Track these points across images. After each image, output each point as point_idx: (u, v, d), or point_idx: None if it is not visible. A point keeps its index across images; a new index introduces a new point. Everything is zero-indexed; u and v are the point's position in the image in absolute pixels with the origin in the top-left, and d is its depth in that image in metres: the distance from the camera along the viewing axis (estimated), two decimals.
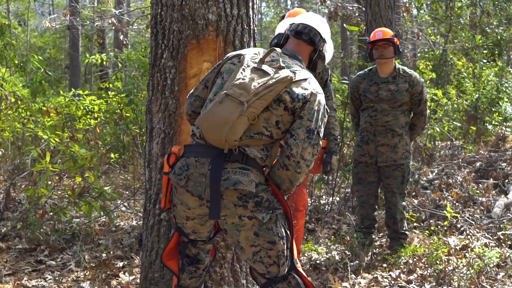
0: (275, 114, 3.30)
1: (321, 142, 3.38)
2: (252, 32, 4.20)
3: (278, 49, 3.47)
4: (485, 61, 14.18)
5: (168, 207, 3.62)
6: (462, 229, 6.81)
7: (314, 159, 3.36)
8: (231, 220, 3.32)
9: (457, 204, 7.91)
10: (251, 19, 4.19)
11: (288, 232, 3.42)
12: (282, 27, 3.89)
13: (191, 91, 3.72)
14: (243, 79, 3.31)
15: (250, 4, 4.16)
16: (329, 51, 3.82)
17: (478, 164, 10.27)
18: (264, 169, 3.42)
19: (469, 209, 7.79)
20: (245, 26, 4.13)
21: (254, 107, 3.23)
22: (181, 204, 3.44)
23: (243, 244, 3.36)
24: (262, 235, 3.31)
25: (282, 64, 3.37)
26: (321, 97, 3.40)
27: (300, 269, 3.47)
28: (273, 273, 3.39)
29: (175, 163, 3.49)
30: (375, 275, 5.39)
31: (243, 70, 3.37)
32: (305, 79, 3.38)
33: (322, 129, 3.40)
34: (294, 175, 3.32)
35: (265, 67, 3.36)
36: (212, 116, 3.29)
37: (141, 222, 6.32)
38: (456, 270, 5.24)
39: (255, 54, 3.50)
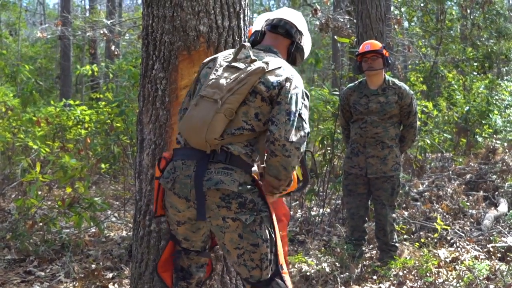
0: (253, 106, 3.28)
1: (306, 125, 3.30)
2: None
3: (248, 44, 3.47)
4: (475, 73, 14.26)
5: (160, 214, 3.60)
6: (452, 241, 6.82)
7: (303, 143, 3.27)
8: (216, 222, 3.30)
9: (447, 216, 7.92)
10: (242, 30, 4.19)
11: (273, 236, 3.37)
12: (258, 24, 3.89)
13: (180, 107, 3.73)
14: (215, 78, 3.33)
15: (242, 16, 4.17)
16: (306, 43, 3.82)
17: (468, 176, 10.30)
18: (257, 165, 3.42)
19: (459, 221, 7.80)
20: (236, 38, 4.13)
21: (229, 103, 3.23)
22: (171, 207, 3.44)
23: (228, 247, 3.34)
24: (246, 237, 3.29)
25: (253, 57, 3.37)
26: (297, 81, 3.37)
27: (286, 276, 3.41)
28: (256, 277, 3.35)
29: (165, 168, 3.49)
30: (365, 287, 5.38)
31: (216, 70, 3.39)
32: (279, 67, 3.36)
33: (305, 113, 3.35)
34: (285, 160, 3.23)
35: (237, 63, 3.37)
36: (190, 120, 3.31)
37: (131, 233, 6.32)
38: (446, 282, 5.24)
39: (229, 54, 3.52)
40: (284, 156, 3.21)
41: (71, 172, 6.62)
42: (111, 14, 18.47)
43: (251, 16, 30.43)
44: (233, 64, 3.39)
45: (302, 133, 3.27)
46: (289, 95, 3.28)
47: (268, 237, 3.34)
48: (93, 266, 5.75)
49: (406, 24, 16.66)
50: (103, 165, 9.66)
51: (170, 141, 4.03)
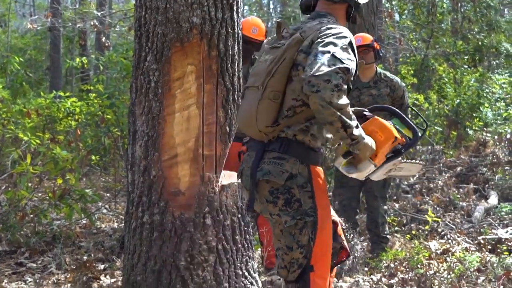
0: (298, 80, 3.09)
1: (344, 63, 2.93)
2: (236, 35, 4.20)
3: (282, 20, 3.37)
4: (466, 66, 14.28)
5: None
6: (443, 233, 6.84)
7: (336, 75, 2.88)
8: (266, 215, 3.27)
9: (438, 208, 7.94)
10: (236, 22, 4.19)
11: (312, 243, 3.17)
12: None
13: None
14: (257, 65, 3.27)
15: (235, 8, 4.17)
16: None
17: (458, 169, 10.31)
18: (313, 142, 3.20)
19: (450, 213, 7.83)
20: (230, 30, 4.13)
21: (271, 86, 3.10)
22: (244, 200, 3.47)
23: (275, 236, 3.27)
24: (284, 236, 3.19)
25: (290, 31, 3.22)
26: (331, 29, 3.10)
27: (315, 279, 3.21)
28: (281, 276, 3.28)
29: None
30: (356, 279, 5.40)
31: (261, 56, 3.30)
32: (317, 28, 3.14)
33: (345, 55, 2.98)
34: (316, 96, 2.87)
35: (279, 42, 3.23)
36: (240, 113, 3.30)
37: (123, 224, 6.30)
38: (437, 274, 5.25)
39: (273, 36, 3.39)
40: (313, 92, 2.88)
41: (61, 163, 6.59)
42: (101, 6, 18.38)
43: (244, 8, 30.39)
44: (274, 44, 3.26)
45: (332, 67, 2.91)
46: (321, 41, 3.03)
47: (305, 243, 3.17)
48: (85, 257, 5.74)
49: (397, 17, 16.68)
50: (93, 157, 9.63)
51: (163, 133, 4.03)
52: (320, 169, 3.26)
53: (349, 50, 3.05)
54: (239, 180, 3.38)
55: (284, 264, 3.23)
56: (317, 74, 2.87)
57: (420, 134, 3.56)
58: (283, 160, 3.12)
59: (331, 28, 3.12)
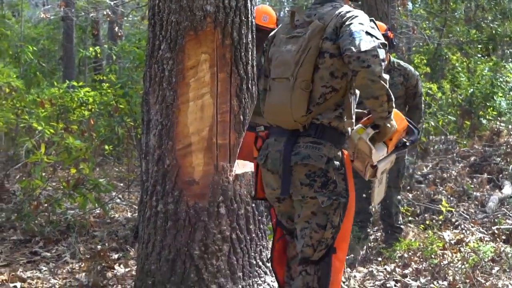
0: (325, 68, 3.18)
1: (379, 38, 3.07)
2: (250, 23, 4.19)
3: (296, 8, 3.39)
4: (479, 55, 14.18)
5: (260, 196, 3.59)
6: (457, 223, 6.82)
7: (380, 50, 3.01)
8: (296, 198, 3.30)
9: (451, 198, 7.92)
10: (249, 10, 4.17)
11: (341, 224, 3.30)
12: None
13: (259, 89, 3.73)
14: (280, 55, 3.28)
15: None
16: None
17: (472, 158, 10.28)
18: (345, 121, 3.29)
19: (464, 203, 7.80)
20: (243, 18, 4.11)
21: (301, 76, 3.16)
22: (267, 186, 3.44)
23: (300, 219, 3.32)
24: (318, 216, 3.26)
25: (308, 19, 3.25)
26: (352, 12, 3.19)
27: (335, 262, 3.32)
28: (306, 254, 3.30)
29: (261, 147, 3.49)
30: (370, 269, 5.39)
31: (278, 46, 3.33)
32: (336, 14, 3.22)
33: (376, 33, 3.10)
34: (367, 71, 2.97)
35: (296, 31, 3.28)
36: (271, 106, 3.31)
37: (136, 214, 6.32)
38: (451, 264, 5.25)
39: (286, 24, 3.41)
40: (364, 67, 2.97)
41: (75, 153, 6.62)
42: None
43: None
44: (292, 34, 3.30)
45: (374, 43, 3.03)
46: (348, 23, 3.11)
47: (337, 224, 3.28)
48: (99, 247, 5.76)
49: (410, 5, 16.58)
50: (107, 147, 9.65)
51: (177, 122, 4.02)
52: (347, 153, 3.38)
53: (376, 28, 3.17)
54: (264, 164, 3.39)
55: (312, 242, 3.29)
56: (364, 49, 2.98)
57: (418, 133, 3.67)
58: (320, 144, 3.21)
59: (350, 11, 3.22)
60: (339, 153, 3.29)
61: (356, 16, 3.17)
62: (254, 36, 4.28)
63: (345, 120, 3.30)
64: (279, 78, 3.25)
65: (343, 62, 3.11)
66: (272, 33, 3.59)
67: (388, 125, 3.30)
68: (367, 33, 3.06)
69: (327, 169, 3.21)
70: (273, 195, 3.45)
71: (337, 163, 3.25)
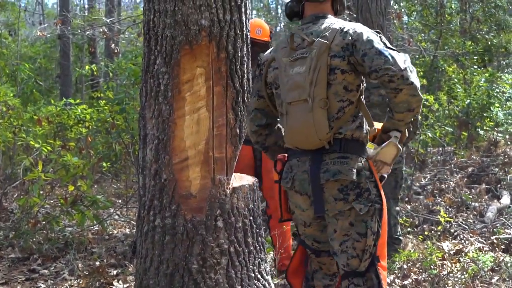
0: (337, 83, 3.24)
1: (399, 52, 3.21)
2: (245, 37, 4.20)
3: (295, 30, 3.41)
4: (475, 67, 14.22)
5: (286, 217, 3.61)
6: (455, 234, 6.82)
7: (410, 63, 3.17)
8: (332, 214, 3.29)
9: (450, 209, 7.92)
10: (244, 24, 4.18)
11: (380, 230, 3.33)
12: None
13: (248, 109, 3.71)
14: (290, 79, 3.28)
15: (243, 9, 4.16)
16: None
17: (470, 169, 10.29)
18: (368, 130, 3.37)
19: (462, 214, 7.80)
20: (238, 32, 4.12)
21: (317, 95, 3.20)
22: (296, 207, 3.45)
23: (337, 234, 3.31)
24: (355, 225, 3.27)
25: (309, 39, 3.28)
26: (359, 27, 3.29)
27: (381, 269, 3.35)
28: (352, 266, 3.30)
29: (282, 170, 3.49)
30: None
31: (285, 70, 3.34)
32: (338, 30, 3.29)
33: (389, 44, 3.23)
34: (411, 88, 3.11)
35: (299, 52, 3.31)
36: (293, 130, 3.31)
37: (134, 230, 6.30)
38: (451, 274, 5.24)
39: (284, 47, 3.43)
40: (408, 85, 3.11)
41: (73, 170, 6.62)
42: (110, 13, 18.44)
43: (252, 12, 30.42)
44: (296, 56, 3.32)
45: (402, 56, 3.18)
46: (366, 41, 3.20)
47: (376, 230, 3.31)
48: (97, 263, 5.74)
49: (406, 18, 16.64)
50: (104, 164, 9.65)
51: (173, 136, 4.02)
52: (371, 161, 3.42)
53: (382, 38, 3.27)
54: (291, 186, 3.40)
55: (356, 252, 3.30)
56: (404, 67, 3.09)
57: None
58: (347, 158, 3.25)
59: (352, 26, 3.31)
60: (366, 162, 3.33)
61: (364, 31, 3.26)
62: (249, 50, 4.28)
63: (368, 128, 3.38)
64: (296, 101, 3.26)
65: (370, 79, 3.21)
66: (267, 56, 3.60)
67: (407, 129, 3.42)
68: (390, 48, 3.18)
69: (359, 180, 3.24)
70: (303, 216, 3.46)
71: (367, 172, 3.29)
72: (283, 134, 3.46)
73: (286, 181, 3.41)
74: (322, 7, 3.51)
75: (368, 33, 3.25)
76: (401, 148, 3.45)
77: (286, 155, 3.54)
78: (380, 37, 3.27)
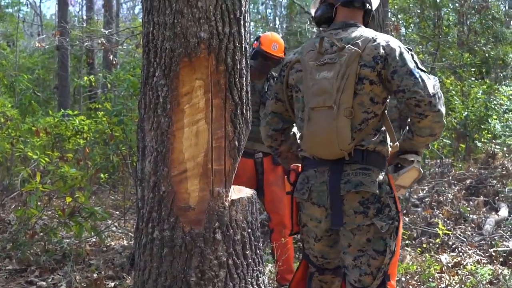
0: (364, 93, 3.17)
1: (430, 75, 3.17)
2: (244, 49, 4.20)
3: (325, 33, 3.34)
4: (473, 79, 14.25)
5: (296, 230, 3.53)
6: (454, 246, 6.81)
7: (439, 88, 3.14)
8: (350, 227, 3.21)
9: (448, 221, 7.91)
10: (243, 37, 4.19)
11: (395, 247, 3.28)
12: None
13: (264, 111, 3.66)
14: (316, 83, 3.20)
15: (242, 22, 4.17)
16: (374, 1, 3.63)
17: (468, 181, 10.29)
18: (390, 146, 3.31)
19: (460, 226, 7.80)
20: (237, 44, 4.13)
21: (343, 103, 3.12)
22: (311, 220, 3.37)
23: (351, 248, 3.24)
24: (373, 242, 3.20)
25: (339, 45, 3.21)
26: (392, 41, 3.24)
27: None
28: (364, 283, 3.23)
29: (296, 181, 3.43)
30: None
31: (311, 74, 3.26)
32: (370, 40, 3.23)
33: (421, 64, 3.20)
34: (436, 115, 3.09)
35: (327, 57, 3.24)
36: (313, 137, 3.21)
37: (132, 242, 6.29)
38: (449, 287, 5.23)
39: (311, 50, 3.37)
40: (434, 112, 3.07)
41: (70, 181, 6.61)
42: (109, 24, 18.48)
43: (250, 24, 30.46)
44: (324, 60, 3.25)
45: (432, 81, 3.13)
46: (398, 58, 3.15)
47: (393, 249, 3.25)
48: (95, 275, 5.73)
49: (403, 30, 16.69)
50: (102, 175, 9.64)
51: (172, 148, 4.02)
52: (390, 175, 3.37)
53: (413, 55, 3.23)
54: (308, 197, 3.35)
55: (371, 270, 3.22)
56: (433, 93, 3.05)
57: None
58: (369, 170, 3.17)
59: (385, 38, 3.26)
60: (386, 177, 3.27)
61: (398, 46, 3.21)
62: (248, 62, 4.29)
63: (391, 144, 3.32)
64: (320, 107, 3.17)
65: (395, 96, 3.18)
66: (291, 57, 3.54)
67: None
68: (421, 69, 3.13)
69: (380, 194, 3.18)
70: (316, 229, 3.38)
71: (387, 187, 3.23)
72: (302, 140, 3.36)
73: (302, 192, 3.34)
74: (355, 14, 3.47)
75: (401, 49, 3.20)
76: (422, 171, 3.42)
77: (300, 165, 3.49)
78: (412, 55, 3.22)
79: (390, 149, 3.33)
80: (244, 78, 4.20)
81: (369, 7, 3.53)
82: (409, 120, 3.26)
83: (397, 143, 3.32)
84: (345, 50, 3.18)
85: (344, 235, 3.28)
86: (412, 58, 3.20)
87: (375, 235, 3.20)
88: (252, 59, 5.55)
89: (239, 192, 4.28)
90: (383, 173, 3.25)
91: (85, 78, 11.25)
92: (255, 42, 5.68)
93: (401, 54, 3.17)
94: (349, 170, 3.19)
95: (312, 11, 3.78)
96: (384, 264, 3.23)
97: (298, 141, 3.52)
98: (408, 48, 3.27)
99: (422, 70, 3.14)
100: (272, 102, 3.61)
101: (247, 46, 4.26)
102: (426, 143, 3.29)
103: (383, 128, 3.29)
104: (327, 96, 3.15)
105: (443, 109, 3.12)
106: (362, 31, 3.33)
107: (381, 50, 3.18)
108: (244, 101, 4.19)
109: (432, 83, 3.11)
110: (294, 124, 3.66)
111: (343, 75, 3.13)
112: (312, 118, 3.22)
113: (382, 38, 3.25)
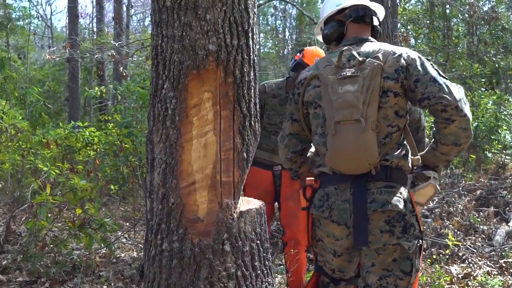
0: (389, 107, 3.16)
1: (453, 84, 3.16)
2: (252, 62, 4.22)
3: (345, 48, 3.33)
4: (483, 89, 14.24)
5: (311, 244, 3.50)
6: (464, 257, 6.79)
7: (464, 96, 3.12)
8: (374, 247, 3.18)
9: (458, 232, 7.89)
10: (251, 49, 4.20)
11: (419, 267, 3.27)
12: (327, 10, 3.68)
13: (281, 134, 3.64)
14: (340, 97, 3.17)
15: (250, 34, 4.19)
16: (381, 15, 3.68)
17: (478, 192, 10.26)
18: (412, 159, 3.29)
19: (471, 237, 7.77)
20: (245, 56, 4.14)
21: (369, 115, 3.09)
22: (328, 236, 3.33)
23: (376, 268, 3.21)
24: (399, 262, 3.18)
25: (360, 58, 3.22)
26: (411, 52, 3.24)
27: None
28: None
29: (312, 196, 3.41)
30: None
31: (332, 88, 3.23)
32: (390, 53, 3.24)
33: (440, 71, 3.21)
34: (463, 120, 3.07)
35: (347, 71, 3.22)
36: (340, 151, 3.16)
37: (142, 253, 6.30)
38: None
39: (327, 65, 3.36)
40: (461, 117, 3.05)
41: (80, 193, 6.63)
42: (119, 36, 18.56)
43: (260, 35, 30.52)
44: (345, 74, 3.22)
45: (456, 87, 3.13)
46: (420, 67, 3.16)
47: (418, 267, 3.24)
48: (105, 287, 5.74)
49: (413, 41, 16.70)
50: (112, 187, 9.67)
51: (181, 160, 4.03)
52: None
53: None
54: (328, 215, 3.32)
55: None
56: (459, 98, 3.04)
57: None
58: (393, 188, 3.14)
59: (404, 50, 3.26)
60: (408, 194, 3.24)
61: (417, 56, 3.23)
62: (256, 74, 4.30)
63: (412, 157, 3.29)
64: (346, 120, 3.13)
65: (420, 106, 3.15)
66: (306, 74, 3.56)
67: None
68: (443, 77, 3.15)
69: (404, 212, 3.15)
70: (335, 246, 3.35)
71: (410, 205, 3.20)
72: (323, 155, 3.34)
73: (322, 210, 3.30)
74: (365, 29, 3.51)
75: (421, 59, 3.21)
76: (439, 189, 3.39)
77: (314, 179, 3.47)
78: (431, 64, 3.23)
79: (410, 162, 3.31)
80: (252, 90, 4.22)
81: (377, 23, 3.57)
82: (434, 129, 3.24)
83: (418, 156, 3.31)
84: (366, 64, 3.19)
85: (366, 255, 3.26)
86: (433, 67, 3.21)
87: (401, 255, 3.18)
88: (292, 71, 5.60)
89: (248, 204, 4.28)
90: (406, 191, 3.22)
91: (96, 88, 11.28)
92: (298, 54, 5.69)
93: (422, 63, 3.18)
94: (374, 189, 3.16)
95: (318, 32, 3.84)
96: (411, 283, 3.21)
97: (316, 157, 3.50)
98: (427, 59, 3.28)
99: (444, 78, 3.15)
100: (289, 124, 3.60)
101: (255, 58, 4.28)
102: (449, 155, 3.23)
103: (405, 142, 3.28)
104: (354, 109, 3.12)
105: (470, 115, 3.10)
106: (379, 45, 3.35)
107: (402, 61, 3.19)
108: (252, 112, 4.21)
109: (456, 88, 3.11)
110: (312, 144, 3.63)
111: (367, 88, 3.12)
112: (338, 132, 3.18)
113: (401, 50, 3.26)
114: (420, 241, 3.23)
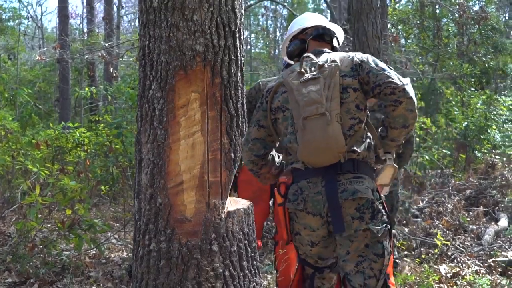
0: (350, 101, 3.39)
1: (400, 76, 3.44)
2: (239, 62, 4.24)
3: (308, 54, 3.60)
4: (473, 89, 14.29)
5: (291, 239, 3.66)
6: (453, 256, 6.80)
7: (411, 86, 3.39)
8: (347, 233, 3.36)
9: (447, 232, 7.91)
10: (238, 49, 4.22)
11: (390, 249, 3.44)
12: (295, 28, 3.95)
13: (245, 137, 3.77)
14: (305, 96, 3.39)
15: (237, 35, 4.20)
16: (340, 37, 3.98)
17: (468, 191, 10.30)
18: (378, 152, 3.54)
19: (460, 236, 7.79)
20: (232, 57, 4.16)
21: (333, 109, 3.32)
22: (305, 228, 3.50)
23: (351, 256, 3.39)
24: (371, 246, 3.36)
25: (320, 63, 3.48)
26: (365, 54, 3.54)
27: (392, 286, 3.48)
28: (370, 286, 3.39)
29: (286, 192, 3.56)
30: None
31: (297, 90, 3.45)
32: (346, 56, 3.52)
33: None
34: (410, 102, 3.33)
35: (309, 74, 3.46)
36: (310, 144, 3.36)
37: (131, 253, 6.30)
38: None
39: (290, 73, 3.58)
40: (408, 99, 3.31)
41: (70, 194, 6.62)
42: (109, 37, 18.53)
43: (247, 36, 30.53)
44: (308, 77, 3.46)
45: (404, 78, 3.39)
46: (372, 62, 3.44)
47: (390, 250, 3.42)
48: (94, 287, 5.73)
49: (403, 41, 16.73)
50: (102, 187, 9.65)
51: (168, 160, 4.04)
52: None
53: None
54: (303, 207, 3.46)
55: (374, 273, 3.39)
56: (407, 82, 3.34)
57: None
58: (361, 178, 3.38)
59: (358, 54, 3.57)
60: (374, 184, 3.46)
61: (371, 56, 3.53)
62: (243, 74, 4.31)
63: (379, 150, 3.54)
64: (313, 115, 3.34)
65: (372, 94, 3.40)
66: (271, 85, 3.73)
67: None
68: (391, 69, 3.42)
69: (373, 200, 3.35)
70: (311, 236, 3.51)
71: (376, 193, 3.42)
72: (294, 152, 3.50)
73: (297, 203, 3.46)
74: (325, 46, 3.79)
75: (373, 57, 3.50)
76: (396, 166, 3.58)
77: (286, 177, 3.61)
78: (381, 61, 3.50)
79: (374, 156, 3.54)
80: (239, 91, 4.23)
81: (336, 43, 3.89)
82: (383, 116, 3.48)
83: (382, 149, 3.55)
84: (325, 67, 3.45)
85: (341, 244, 3.42)
86: (382, 63, 3.48)
87: (372, 239, 3.35)
88: None
89: (236, 204, 4.30)
90: (372, 181, 3.44)
91: (86, 89, 11.27)
92: None
93: (373, 60, 3.48)
94: (343, 180, 3.35)
95: (283, 53, 4.08)
96: (385, 265, 3.39)
97: (288, 156, 3.62)
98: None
99: (393, 70, 3.42)
100: (255, 129, 3.70)
101: (242, 58, 4.30)
102: (399, 138, 3.48)
103: (369, 134, 3.51)
104: (318, 105, 3.34)
105: (415, 99, 3.35)
106: (336, 54, 3.63)
107: (356, 60, 3.48)
108: (239, 113, 4.22)
109: (403, 78, 3.37)
110: (274, 148, 3.83)
111: (328, 85, 3.37)
112: (307, 127, 3.37)
113: (355, 54, 3.56)
114: (388, 225, 3.41)
